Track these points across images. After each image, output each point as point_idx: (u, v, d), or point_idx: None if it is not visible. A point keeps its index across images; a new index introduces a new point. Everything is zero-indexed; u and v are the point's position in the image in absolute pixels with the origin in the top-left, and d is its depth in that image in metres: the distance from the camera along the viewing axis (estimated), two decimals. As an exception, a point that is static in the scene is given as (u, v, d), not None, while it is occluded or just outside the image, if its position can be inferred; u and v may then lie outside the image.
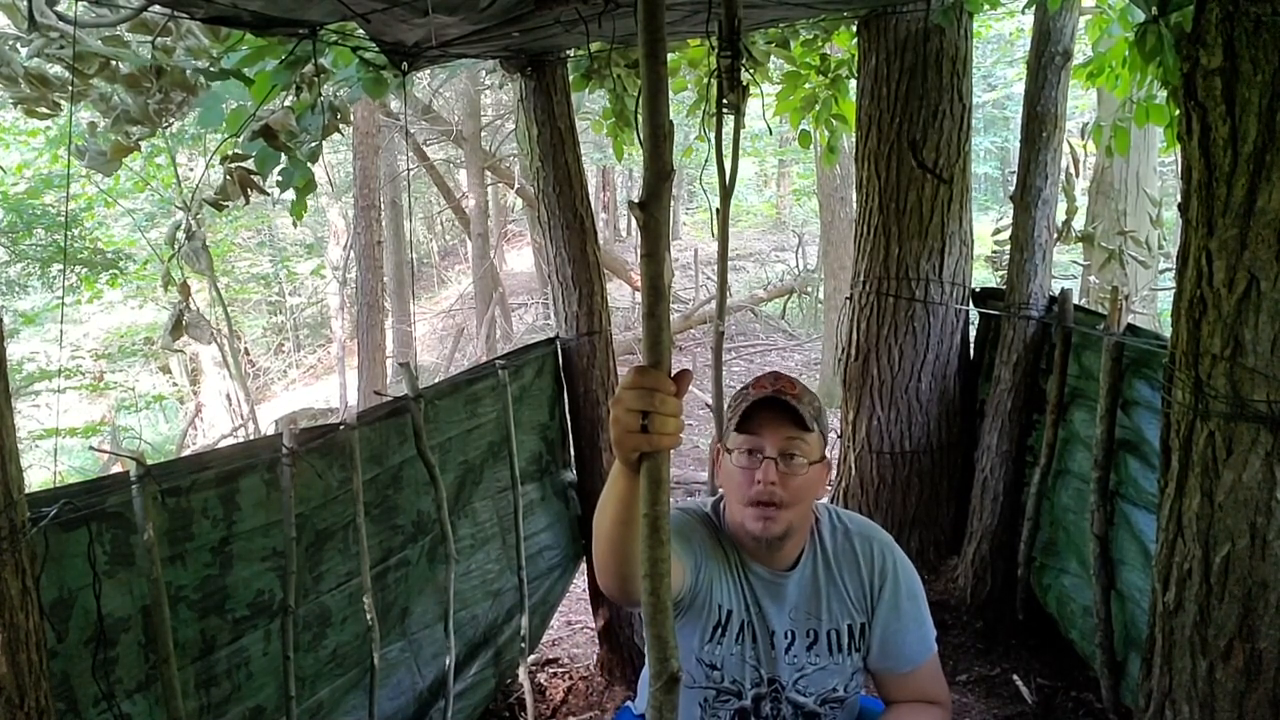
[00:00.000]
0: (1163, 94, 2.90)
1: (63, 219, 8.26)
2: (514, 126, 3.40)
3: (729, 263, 1.87)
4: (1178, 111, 1.61)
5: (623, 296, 13.02)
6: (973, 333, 3.68)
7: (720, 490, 1.71)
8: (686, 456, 6.96)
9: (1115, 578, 2.64)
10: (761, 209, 20.83)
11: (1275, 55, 1.40)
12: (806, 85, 3.88)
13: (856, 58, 3.58)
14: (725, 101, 1.60)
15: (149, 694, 1.78)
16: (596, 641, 3.53)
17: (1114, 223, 5.52)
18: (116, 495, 1.71)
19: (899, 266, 3.48)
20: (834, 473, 3.93)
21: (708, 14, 2.29)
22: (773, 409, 1.56)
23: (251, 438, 7.74)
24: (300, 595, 2.17)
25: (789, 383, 1.61)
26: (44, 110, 2.38)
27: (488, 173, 11.16)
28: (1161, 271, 6.23)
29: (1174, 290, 1.65)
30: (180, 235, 2.80)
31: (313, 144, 2.61)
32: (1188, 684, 1.66)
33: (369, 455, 2.38)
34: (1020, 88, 3.44)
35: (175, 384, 12.73)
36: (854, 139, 3.68)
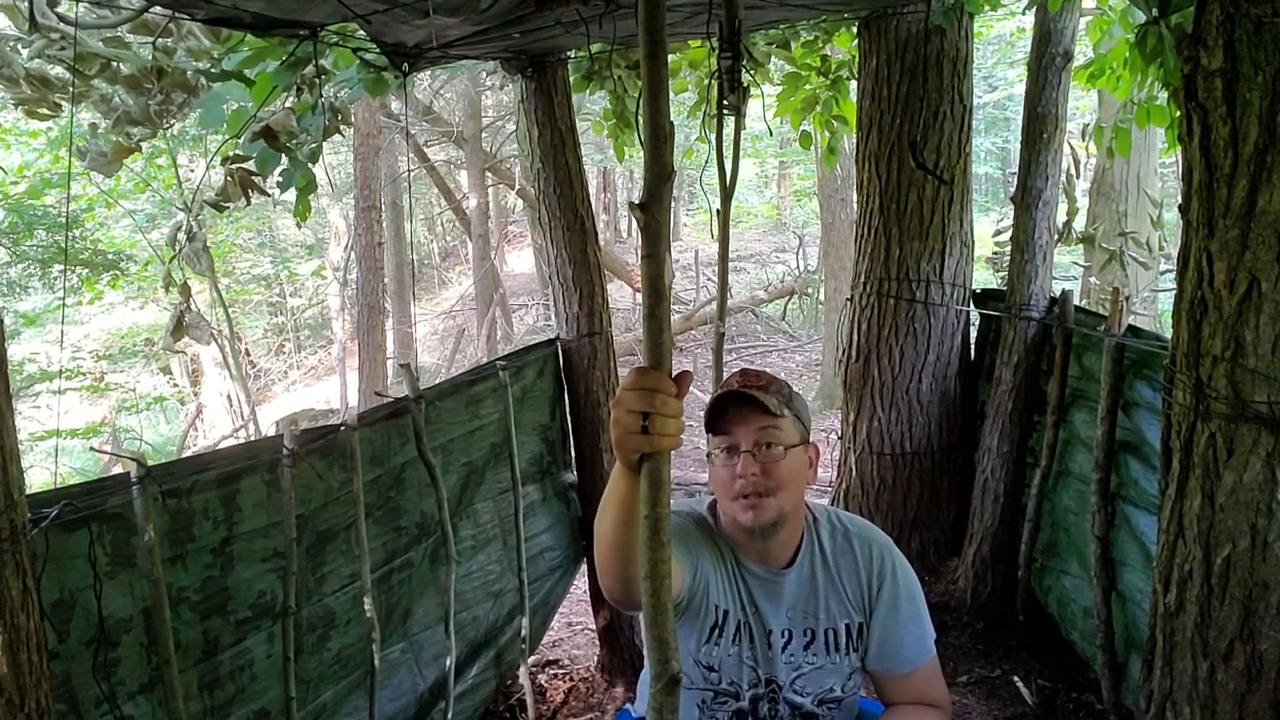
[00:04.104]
0: (1163, 95, 2.90)
1: (63, 220, 8.26)
2: (515, 128, 3.41)
3: (729, 264, 1.87)
4: (1178, 113, 1.60)
5: (623, 297, 13.02)
6: (973, 334, 3.68)
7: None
8: (687, 457, 6.96)
9: (1116, 579, 2.64)
10: (762, 210, 20.82)
11: (1276, 56, 1.40)
12: (807, 86, 3.88)
13: (857, 59, 3.58)
14: (726, 103, 1.60)
15: (151, 696, 1.78)
16: (597, 643, 3.53)
17: (1114, 224, 5.52)
18: (117, 496, 1.71)
19: (899, 268, 3.48)
20: (834, 474, 3.92)
21: (708, 15, 2.30)
22: (740, 403, 1.58)
23: (252, 439, 7.74)
24: (304, 597, 2.17)
25: (754, 375, 1.63)
26: (45, 111, 2.38)
27: (488, 174, 11.17)
28: (1162, 273, 6.23)
29: (1174, 291, 1.65)
30: (181, 236, 2.80)
31: (313, 145, 2.61)
32: (1188, 685, 1.66)
33: (370, 456, 2.37)
34: (1021, 89, 3.44)
35: (176, 385, 12.74)
36: (854, 140, 3.68)
